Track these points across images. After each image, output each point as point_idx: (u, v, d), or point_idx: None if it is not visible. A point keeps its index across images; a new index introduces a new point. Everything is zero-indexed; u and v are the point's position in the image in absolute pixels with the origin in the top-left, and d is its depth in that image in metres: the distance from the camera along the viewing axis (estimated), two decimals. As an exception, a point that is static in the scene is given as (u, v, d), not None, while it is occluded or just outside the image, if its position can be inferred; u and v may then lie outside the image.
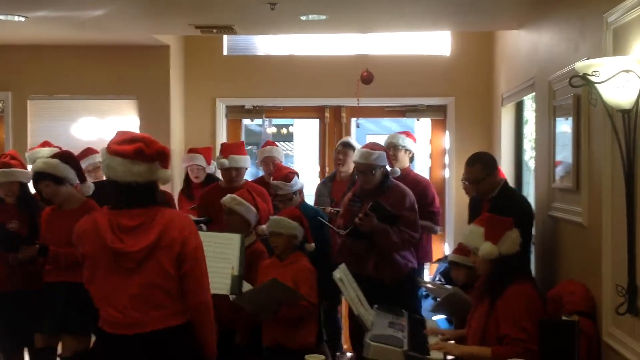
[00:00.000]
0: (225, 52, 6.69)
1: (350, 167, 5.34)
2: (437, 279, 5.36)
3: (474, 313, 3.56)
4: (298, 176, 4.90)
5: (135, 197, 2.86)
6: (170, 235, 2.84)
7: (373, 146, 4.66)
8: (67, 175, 4.28)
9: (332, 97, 6.61)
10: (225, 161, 4.95)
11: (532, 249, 4.48)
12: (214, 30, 5.55)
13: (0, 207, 4.61)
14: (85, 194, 4.46)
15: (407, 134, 5.48)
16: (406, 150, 5.34)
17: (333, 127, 6.70)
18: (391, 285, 4.50)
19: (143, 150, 2.81)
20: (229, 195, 4.33)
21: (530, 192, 5.31)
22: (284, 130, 13.36)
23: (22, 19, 5.02)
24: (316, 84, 6.55)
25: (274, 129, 9.02)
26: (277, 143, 5.98)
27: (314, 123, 6.89)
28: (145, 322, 2.84)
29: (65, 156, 4.40)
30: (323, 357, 3.21)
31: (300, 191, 4.94)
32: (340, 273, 3.92)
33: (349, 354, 5.61)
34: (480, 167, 4.21)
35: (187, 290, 2.89)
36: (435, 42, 6.59)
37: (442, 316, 5.26)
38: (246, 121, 7.17)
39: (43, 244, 4.25)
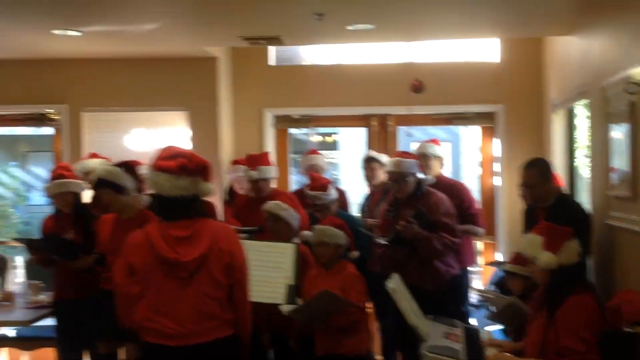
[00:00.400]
0: (271, 63, 6.75)
1: (380, 177, 5.40)
2: (490, 288, 5.30)
3: (532, 324, 3.51)
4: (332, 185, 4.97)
5: (182, 209, 2.94)
6: (219, 246, 2.92)
7: (404, 154, 4.68)
8: (126, 185, 4.36)
9: (378, 106, 6.61)
10: (254, 173, 4.96)
11: (590, 258, 4.40)
12: (262, 42, 5.61)
13: (57, 218, 4.75)
14: (144, 206, 4.54)
15: (434, 141, 5.47)
16: (436, 157, 5.31)
17: (380, 135, 6.70)
18: (433, 293, 4.46)
19: (186, 165, 2.89)
20: (272, 202, 4.37)
21: (583, 200, 5.22)
22: (328, 139, 13.40)
23: (79, 33, 5.15)
24: (362, 92, 6.56)
25: (318, 138, 9.06)
26: (319, 152, 5.97)
27: (359, 131, 6.89)
28: (199, 333, 2.88)
29: (127, 166, 4.49)
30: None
31: (337, 200, 4.97)
32: (394, 283, 3.91)
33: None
34: (536, 172, 4.18)
35: (235, 301, 2.96)
36: (483, 49, 6.55)
37: (497, 327, 5.20)
38: (292, 130, 7.21)
39: (100, 253, 4.34)
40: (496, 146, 6.54)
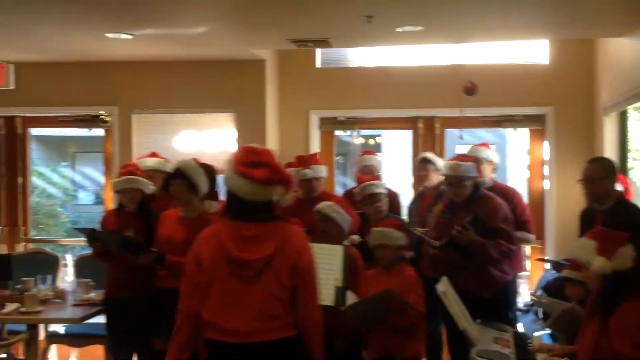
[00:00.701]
0: (318, 65, 6.77)
1: (433, 181, 5.33)
2: (538, 292, 5.24)
3: (585, 329, 3.45)
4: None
5: (257, 213, 2.98)
6: (287, 247, 2.94)
7: (462, 157, 4.64)
8: (200, 185, 4.40)
9: (425, 108, 6.57)
10: (308, 171, 4.99)
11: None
12: (310, 44, 5.64)
13: (120, 214, 4.79)
14: (208, 211, 4.57)
15: (485, 145, 5.39)
16: (487, 161, 5.22)
17: (426, 137, 6.67)
18: (487, 299, 4.43)
19: (271, 179, 2.93)
20: (325, 202, 4.36)
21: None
22: (371, 141, 13.37)
23: (130, 37, 5.25)
24: (409, 94, 6.53)
25: (361, 140, 9.04)
26: (374, 153, 5.88)
27: (403, 134, 6.85)
28: (262, 332, 2.91)
29: (208, 168, 4.55)
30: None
31: (386, 202, 4.92)
32: (444, 287, 3.89)
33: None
34: (600, 167, 4.11)
35: (299, 303, 2.97)
36: (533, 51, 6.46)
37: (546, 331, 5.13)
38: (337, 132, 7.21)
39: (160, 252, 4.39)
40: (545, 149, 6.44)
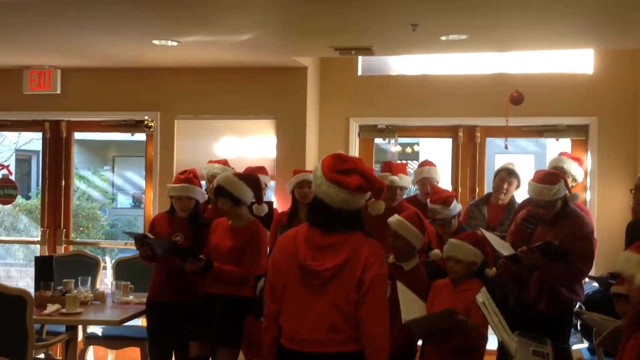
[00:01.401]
0: (359, 73, 6.77)
1: (510, 195, 5.22)
2: (578, 306, 5.14)
3: (626, 344, 3.38)
4: (457, 199, 4.77)
5: (340, 223, 2.93)
6: (356, 259, 2.88)
7: (550, 179, 4.33)
8: (244, 198, 4.46)
9: (465, 117, 6.52)
10: (396, 178, 4.85)
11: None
12: (353, 52, 5.65)
13: (171, 219, 4.83)
14: (258, 215, 4.62)
15: (574, 158, 5.21)
16: (570, 176, 5.04)
17: (467, 146, 6.61)
18: (550, 317, 4.32)
19: (363, 187, 2.90)
20: (396, 217, 4.17)
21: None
22: (408, 149, 13.32)
23: (175, 43, 5.32)
24: (450, 103, 6.49)
25: (398, 148, 8.99)
26: (433, 163, 5.74)
27: (441, 142, 6.79)
28: (323, 343, 2.87)
29: (248, 179, 4.58)
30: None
31: (460, 214, 4.78)
32: (483, 297, 3.83)
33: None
34: None
35: (360, 317, 2.87)
36: (577, 60, 6.37)
37: (585, 345, 5.03)
38: (375, 140, 7.19)
39: (209, 259, 4.44)
40: (588, 160, 6.34)
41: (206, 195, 4.89)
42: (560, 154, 5.26)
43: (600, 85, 6.23)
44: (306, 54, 6.10)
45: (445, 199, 4.65)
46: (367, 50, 5.53)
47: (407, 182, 4.97)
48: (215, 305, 4.39)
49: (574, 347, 4.75)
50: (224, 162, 5.52)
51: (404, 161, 6.51)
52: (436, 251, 4.22)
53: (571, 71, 6.38)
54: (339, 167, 2.90)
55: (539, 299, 4.33)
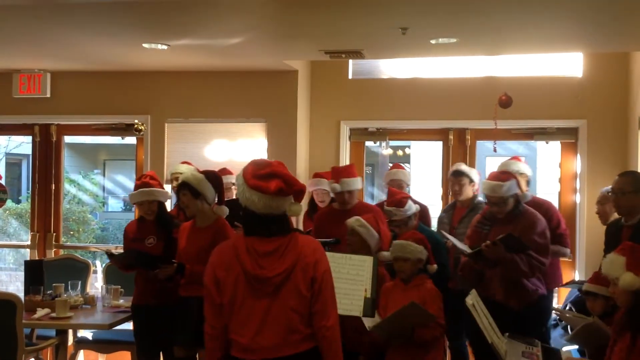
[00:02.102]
0: (350, 76, 6.78)
1: (468, 193, 5.31)
2: (567, 307, 5.18)
3: (614, 347, 3.40)
4: (412, 200, 4.89)
5: (273, 227, 2.93)
6: (304, 259, 2.91)
7: (501, 177, 4.54)
8: (205, 193, 4.49)
9: (456, 120, 6.55)
10: (337, 186, 4.95)
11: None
12: (343, 55, 5.66)
13: (140, 225, 4.91)
14: (221, 215, 4.64)
15: (517, 158, 5.35)
16: (521, 174, 5.14)
17: (457, 149, 6.64)
18: (520, 312, 4.41)
19: (283, 189, 2.89)
20: (355, 217, 4.37)
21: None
22: (400, 152, 13.34)
23: (165, 47, 5.32)
24: (440, 106, 6.51)
25: (390, 151, 9.00)
26: (403, 166, 5.94)
27: (433, 145, 6.82)
28: (282, 346, 2.88)
29: (211, 176, 4.61)
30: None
31: (416, 215, 4.87)
32: (473, 299, 3.86)
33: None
34: (631, 179, 4.10)
35: (315, 312, 2.92)
36: (566, 63, 6.41)
37: (574, 347, 5.06)
38: (366, 143, 7.21)
39: (180, 262, 4.46)
40: (578, 162, 6.38)
41: (169, 194, 4.93)
42: (510, 158, 5.35)
43: (589, 88, 6.27)
44: (297, 58, 6.11)
45: (399, 201, 4.78)
46: (357, 54, 5.55)
47: (353, 185, 5.00)
48: (191, 308, 4.38)
49: (564, 348, 4.76)
50: (186, 163, 5.60)
51: (396, 163, 6.51)
52: (383, 253, 4.32)
53: (561, 74, 6.42)
54: (258, 172, 2.91)
55: (507, 298, 4.42)
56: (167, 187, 5.67)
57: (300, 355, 2.90)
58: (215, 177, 4.63)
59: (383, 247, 4.38)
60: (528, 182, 5.28)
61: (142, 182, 4.84)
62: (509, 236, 4.29)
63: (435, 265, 4.23)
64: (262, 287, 2.88)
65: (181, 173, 5.07)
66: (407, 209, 4.76)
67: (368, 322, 3.88)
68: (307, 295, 2.90)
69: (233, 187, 5.63)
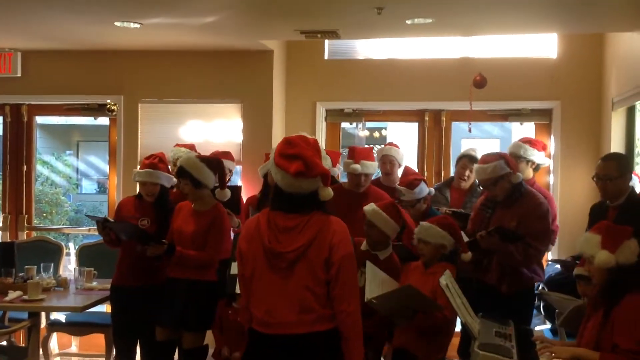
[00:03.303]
0: (326, 57, 6.74)
1: (471, 181, 5.30)
2: (540, 287, 5.21)
3: (587, 323, 3.44)
4: (426, 183, 4.79)
5: (296, 203, 2.94)
6: (322, 239, 2.89)
7: (485, 159, 4.46)
8: (206, 181, 4.44)
9: (432, 101, 6.55)
10: (357, 167, 4.85)
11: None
12: (319, 35, 5.61)
13: (137, 204, 4.81)
14: (221, 199, 4.58)
15: (532, 142, 5.25)
16: (528, 161, 5.12)
17: (433, 131, 6.65)
18: (511, 297, 4.37)
19: (303, 173, 2.86)
20: (372, 206, 4.17)
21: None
22: (376, 134, 13.37)
23: (138, 25, 5.23)
24: (416, 87, 6.51)
25: (366, 132, 9.01)
26: (397, 145, 5.79)
27: (409, 126, 6.82)
28: (294, 324, 2.88)
29: (211, 162, 4.55)
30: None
31: (427, 198, 4.79)
32: (447, 280, 3.87)
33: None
34: (615, 165, 4.05)
35: (334, 297, 2.90)
36: (541, 44, 6.43)
37: (547, 326, 5.12)
38: (342, 124, 7.19)
39: (171, 243, 4.41)
40: (551, 144, 6.42)
41: (174, 179, 4.85)
42: (520, 139, 5.31)
43: (564, 69, 6.30)
44: (272, 37, 6.05)
45: (410, 182, 4.70)
46: (333, 34, 5.51)
47: (372, 168, 4.97)
48: (179, 290, 4.37)
49: (537, 328, 4.82)
50: (191, 147, 5.50)
51: (372, 145, 6.51)
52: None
53: (535, 56, 6.44)
54: (285, 151, 2.90)
55: (500, 282, 4.39)
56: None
57: (316, 334, 2.89)
58: (215, 164, 4.58)
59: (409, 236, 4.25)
60: (535, 169, 5.21)
61: (151, 162, 4.75)
62: (499, 228, 4.24)
63: (469, 254, 4.11)
64: (277, 262, 2.90)
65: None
66: (417, 192, 4.68)
67: (368, 295, 3.82)
68: (322, 277, 2.89)
69: (229, 171, 5.55)
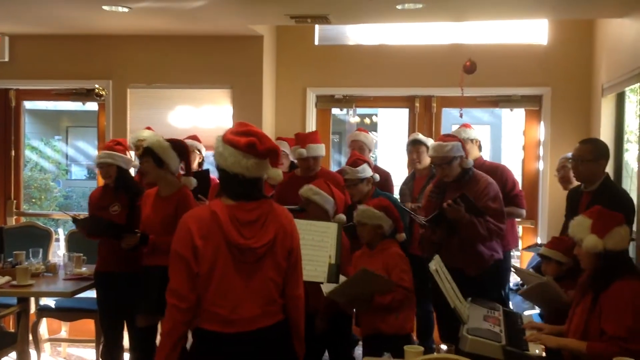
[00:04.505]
0: (316, 42, 6.71)
1: (426, 162, 5.35)
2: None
3: (576, 308, 3.46)
4: (370, 166, 4.92)
5: (248, 189, 2.83)
6: (283, 230, 2.87)
7: (445, 138, 4.63)
8: (169, 162, 4.42)
9: (422, 87, 6.54)
10: (303, 151, 4.98)
11: (631, 247, 4.33)
12: (309, 20, 5.58)
13: (104, 192, 4.86)
14: (188, 187, 4.56)
15: (466, 125, 5.45)
16: (472, 140, 5.29)
17: (423, 117, 6.64)
18: (476, 277, 4.47)
19: (255, 145, 2.77)
20: (306, 185, 4.39)
21: (632, 188, 5.12)
22: (367, 120, 13.35)
23: (126, 9, 5.19)
24: (406, 73, 6.50)
25: (357, 119, 8.99)
26: (368, 132, 5.90)
27: (400, 113, 6.82)
28: (259, 318, 2.83)
29: (177, 145, 4.54)
30: (422, 348, 3.19)
31: (370, 181, 4.88)
32: (436, 265, 3.89)
33: (443, 347, 5.55)
34: (591, 148, 4.16)
35: (288, 282, 2.91)
36: (531, 30, 6.42)
37: (536, 311, 5.15)
38: (333, 110, 7.18)
39: (144, 232, 4.41)
40: (541, 130, 6.43)
41: (133, 161, 4.87)
42: (460, 126, 5.47)
43: (554, 55, 6.30)
44: (262, 22, 6.02)
45: (353, 161, 4.86)
46: (323, 19, 5.48)
47: (319, 150, 5.06)
48: (153, 277, 4.35)
49: (525, 312, 4.84)
50: (149, 129, 5.54)
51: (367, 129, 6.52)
52: (340, 216, 4.38)
53: (526, 42, 6.43)
54: (237, 130, 2.84)
55: (465, 265, 4.47)
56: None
57: (276, 325, 2.88)
58: (181, 147, 4.57)
59: (338, 210, 4.42)
60: (480, 148, 5.41)
61: (107, 145, 4.82)
62: (464, 196, 4.35)
63: (403, 234, 4.25)
64: (244, 257, 2.79)
65: (145, 139, 5.00)
66: (359, 170, 4.80)
67: (325, 288, 3.90)
68: (284, 266, 2.88)
69: (197, 151, 5.58)
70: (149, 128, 5.51)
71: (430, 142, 5.37)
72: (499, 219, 4.50)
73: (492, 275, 4.64)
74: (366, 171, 4.83)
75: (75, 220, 4.79)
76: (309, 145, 4.99)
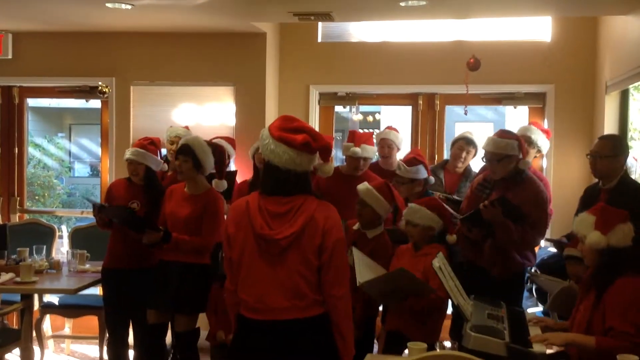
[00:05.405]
0: (319, 40, 6.71)
1: (467, 163, 5.31)
2: (532, 270, 5.23)
3: (579, 305, 3.46)
4: (426, 168, 4.79)
5: (290, 185, 2.88)
6: (314, 225, 2.86)
7: (503, 134, 4.35)
8: (205, 164, 4.42)
9: (425, 85, 6.53)
10: (358, 150, 4.91)
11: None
12: (312, 18, 5.59)
13: (128, 186, 4.81)
14: (217, 190, 4.57)
15: (544, 130, 5.25)
16: (537, 148, 5.17)
17: (426, 114, 6.63)
18: (502, 281, 4.33)
19: (310, 144, 2.83)
20: (365, 184, 4.20)
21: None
22: (370, 118, 13.33)
23: (129, 7, 5.19)
24: (410, 70, 6.49)
25: (360, 116, 8.98)
26: (396, 129, 5.76)
27: (403, 110, 6.80)
28: (287, 309, 2.86)
29: (217, 149, 4.54)
30: (425, 344, 3.18)
31: (421, 182, 4.79)
32: (440, 262, 3.87)
33: (447, 343, 5.53)
34: (610, 144, 4.08)
35: (325, 282, 2.89)
36: (534, 27, 6.41)
37: (539, 309, 5.14)
38: (336, 108, 7.17)
39: (167, 230, 4.40)
40: (545, 127, 6.40)
41: (164, 165, 4.84)
42: (530, 123, 5.35)
43: (558, 52, 6.28)
44: (265, 20, 6.01)
45: (410, 159, 4.74)
46: (326, 16, 5.48)
47: (371, 153, 5.02)
48: (172, 273, 4.36)
49: (529, 310, 4.84)
50: (186, 128, 5.52)
51: (370, 130, 6.49)
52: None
53: (530, 39, 6.42)
54: (286, 125, 2.86)
55: (492, 265, 4.35)
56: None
57: (309, 319, 2.88)
58: (220, 154, 4.59)
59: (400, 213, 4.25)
60: (541, 157, 5.25)
61: (140, 143, 4.78)
62: (504, 199, 4.15)
63: (454, 236, 4.09)
64: (269, 248, 2.86)
65: (180, 137, 5.00)
66: (412, 171, 4.70)
67: (360, 278, 3.82)
68: (315, 263, 2.87)
69: (228, 159, 5.49)
70: (186, 128, 5.53)
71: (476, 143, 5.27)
72: (537, 228, 4.29)
73: (518, 280, 4.50)
74: (420, 172, 4.71)
75: (101, 205, 4.69)
76: (363, 145, 4.92)
